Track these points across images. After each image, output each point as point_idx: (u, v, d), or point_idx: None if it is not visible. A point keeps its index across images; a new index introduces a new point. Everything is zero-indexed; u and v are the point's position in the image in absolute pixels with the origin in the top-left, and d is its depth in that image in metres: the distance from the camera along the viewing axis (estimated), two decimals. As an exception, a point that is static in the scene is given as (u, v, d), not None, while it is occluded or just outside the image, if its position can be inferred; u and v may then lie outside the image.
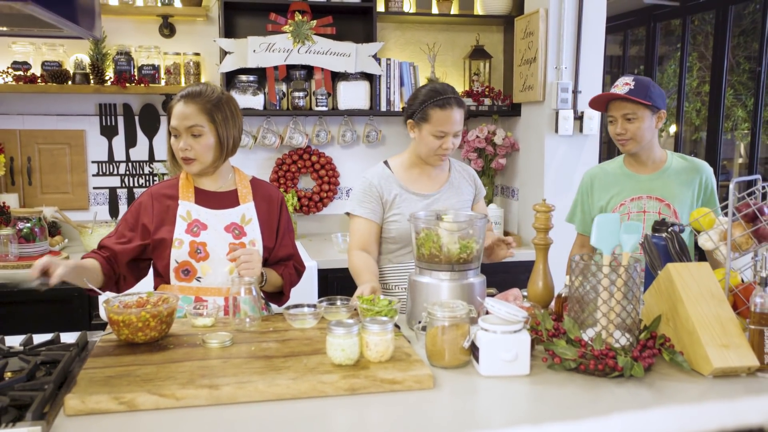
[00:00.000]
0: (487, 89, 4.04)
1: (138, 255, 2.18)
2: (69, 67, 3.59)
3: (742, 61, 4.84)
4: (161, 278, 2.20)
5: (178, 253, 2.12)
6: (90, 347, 1.79)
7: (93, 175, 3.81)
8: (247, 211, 2.21)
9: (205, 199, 2.19)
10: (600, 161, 3.78)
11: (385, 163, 2.55)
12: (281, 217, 2.29)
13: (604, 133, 5.65)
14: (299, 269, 2.36)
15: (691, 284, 1.73)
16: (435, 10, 4.01)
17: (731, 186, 1.78)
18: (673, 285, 1.74)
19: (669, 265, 1.78)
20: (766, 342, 1.66)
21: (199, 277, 2.14)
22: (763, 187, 1.88)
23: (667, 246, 1.95)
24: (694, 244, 2.34)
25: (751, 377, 1.65)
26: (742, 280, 1.90)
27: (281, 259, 2.30)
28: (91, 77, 3.56)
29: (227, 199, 2.22)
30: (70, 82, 3.53)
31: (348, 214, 2.49)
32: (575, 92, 3.65)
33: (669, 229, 1.97)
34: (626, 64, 5.83)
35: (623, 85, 2.42)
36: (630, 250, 1.73)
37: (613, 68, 6.02)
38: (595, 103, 2.53)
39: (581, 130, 3.69)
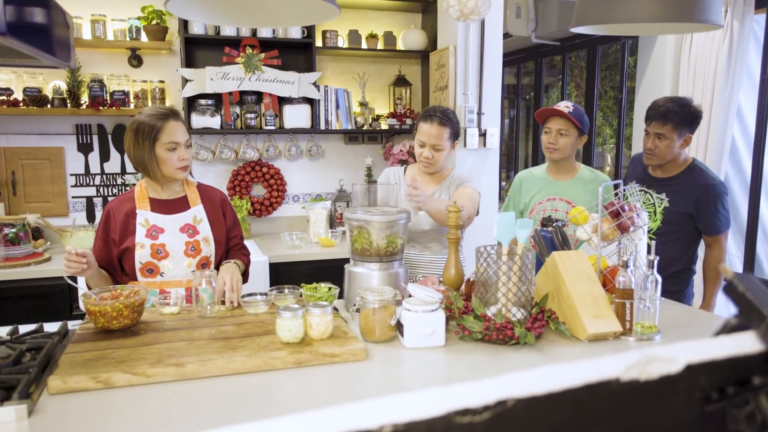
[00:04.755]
0: (409, 111, 4.07)
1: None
2: (48, 92, 3.42)
3: (609, 90, 5.04)
4: (129, 277, 2.11)
5: (141, 255, 2.05)
6: (70, 335, 1.72)
7: (71, 186, 3.63)
8: (197, 212, 2.15)
9: (160, 206, 2.12)
10: (500, 171, 3.86)
11: (404, 168, 2.60)
12: (226, 214, 2.23)
13: (503, 147, 5.78)
14: (247, 253, 2.31)
15: (571, 268, 1.79)
16: (365, 45, 4.01)
17: (600, 189, 1.86)
18: (557, 269, 1.79)
19: (554, 253, 1.83)
20: (627, 312, 1.73)
21: (162, 273, 2.08)
22: (624, 190, 1.97)
23: (552, 238, 2.02)
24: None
25: (616, 340, 1.73)
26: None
27: (233, 247, 2.26)
28: (68, 101, 3.40)
29: (179, 205, 2.15)
30: (49, 106, 3.36)
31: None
32: (479, 114, 3.72)
33: (554, 225, 2.04)
34: (520, 91, 5.97)
35: (564, 107, 2.52)
36: (524, 241, 1.78)
37: (509, 94, 6.15)
38: (538, 115, 2.62)
39: (485, 145, 3.76)
